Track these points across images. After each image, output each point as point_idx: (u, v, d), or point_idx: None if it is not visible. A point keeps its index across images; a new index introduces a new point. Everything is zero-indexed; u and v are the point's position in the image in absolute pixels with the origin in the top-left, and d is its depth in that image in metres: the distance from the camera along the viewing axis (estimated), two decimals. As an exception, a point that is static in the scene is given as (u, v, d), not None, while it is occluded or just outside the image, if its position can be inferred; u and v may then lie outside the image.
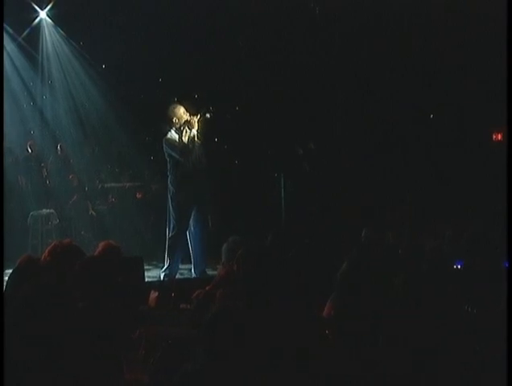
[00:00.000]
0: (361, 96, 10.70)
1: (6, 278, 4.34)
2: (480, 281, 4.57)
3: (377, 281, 4.06)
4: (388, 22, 10.37)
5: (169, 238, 8.18)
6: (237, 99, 11.22)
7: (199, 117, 8.00)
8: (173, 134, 8.03)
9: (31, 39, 10.86)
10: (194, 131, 7.99)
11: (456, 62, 10.37)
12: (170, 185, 8.14)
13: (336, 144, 10.82)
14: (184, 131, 8.00)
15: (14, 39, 10.68)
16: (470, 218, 8.87)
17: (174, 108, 8.09)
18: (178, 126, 8.02)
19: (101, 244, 5.16)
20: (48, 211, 9.98)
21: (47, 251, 4.61)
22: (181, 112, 8.02)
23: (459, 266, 5.47)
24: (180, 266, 8.43)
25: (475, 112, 10.36)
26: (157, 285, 7.12)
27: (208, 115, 7.98)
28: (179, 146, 7.95)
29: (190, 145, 7.98)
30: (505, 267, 4.91)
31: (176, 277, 8.23)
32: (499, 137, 10.84)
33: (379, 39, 10.50)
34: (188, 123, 8.00)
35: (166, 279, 8.05)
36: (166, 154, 8.08)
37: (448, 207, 9.75)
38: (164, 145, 8.04)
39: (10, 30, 10.53)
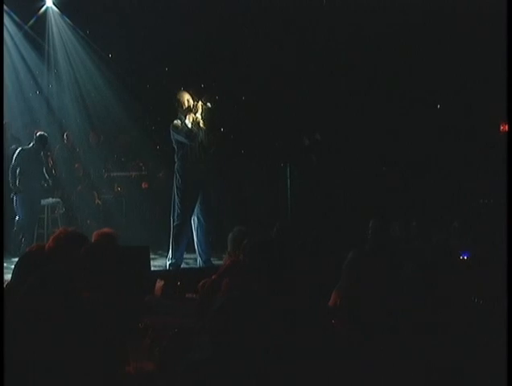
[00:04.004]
0: (369, 87, 10.66)
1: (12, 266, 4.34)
2: (486, 275, 4.55)
3: (383, 272, 4.06)
4: (396, 12, 10.29)
5: (174, 227, 8.18)
6: (244, 88, 11.19)
7: (203, 102, 8.03)
8: (179, 120, 8.06)
9: (38, 28, 10.84)
10: (199, 116, 8.01)
11: (461, 55, 10.30)
12: (176, 172, 8.15)
13: (342, 135, 10.78)
14: (190, 117, 8.03)
15: (20, 28, 10.68)
16: (477, 210, 8.85)
17: (180, 94, 8.13)
18: (184, 112, 8.04)
19: (95, 233, 5.15)
20: (54, 200, 9.99)
21: (51, 239, 4.60)
22: (187, 98, 8.06)
23: (465, 257, 5.47)
24: (185, 255, 8.44)
25: (482, 104, 10.30)
26: (163, 274, 7.12)
27: (212, 101, 8.02)
28: (185, 131, 7.97)
29: (195, 131, 8.01)
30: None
31: (182, 266, 8.24)
32: (507, 128, 10.77)
33: (386, 31, 10.44)
34: (194, 108, 8.03)
35: (171, 268, 8.06)
36: (173, 141, 8.10)
37: (455, 199, 9.73)
38: (171, 131, 8.08)
39: (17, 19, 10.52)
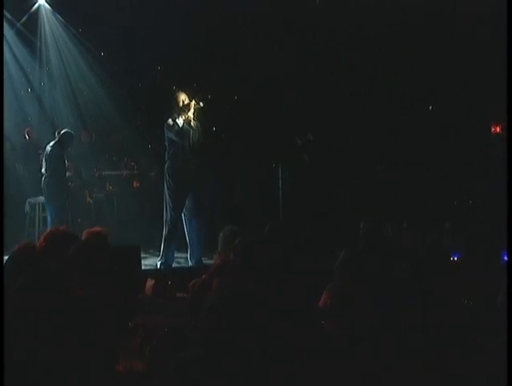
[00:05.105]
0: (361, 88, 10.66)
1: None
2: (478, 275, 4.56)
3: (375, 272, 4.06)
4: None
5: (165, 226, 8.19)
6: (237, 88, 11.18)
7: (196, 101, 8.06)
8: (173, 119, 8.08)
9: (30, 25, 10.80)
10: (191, 115, 8.03)
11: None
12: (166, 172, 8.17)
13: (335, 135, 10.78)
14: (182, 115, 8.05)
15: (12, 25, 10.63)
16: (469, 211, 8.86)
17: (174, 94, 8.16)
18: (178, 111, 8.06)
19: (85, 232, 5.12)
20: (45, 198, 9.93)
21: (42, 237, 4.59)
22: (182, 98, 8.09)
23: (455, 258, 5.48)
24: (176, 255, 8.44)
25: (474, 105, 10.32)
26: (153, 273, 7.11)
27: (205, 100, 8.07)
28: (176, 129, 8.01)
29: (186, 129, 8.03)
30: (504, 260, 4.91)
31: (173, 265, 8.23)
32: (498, 129, 10.80)
33: (379, 31, 10.43)
34: (187, 107, 8.04)
35: (162, 267, 8.05)
36: (166, 139, 8.12)
37: (447, 199, 9.74)
38: (165, 130, 8.10)
39: (9, 16, 10.48)
